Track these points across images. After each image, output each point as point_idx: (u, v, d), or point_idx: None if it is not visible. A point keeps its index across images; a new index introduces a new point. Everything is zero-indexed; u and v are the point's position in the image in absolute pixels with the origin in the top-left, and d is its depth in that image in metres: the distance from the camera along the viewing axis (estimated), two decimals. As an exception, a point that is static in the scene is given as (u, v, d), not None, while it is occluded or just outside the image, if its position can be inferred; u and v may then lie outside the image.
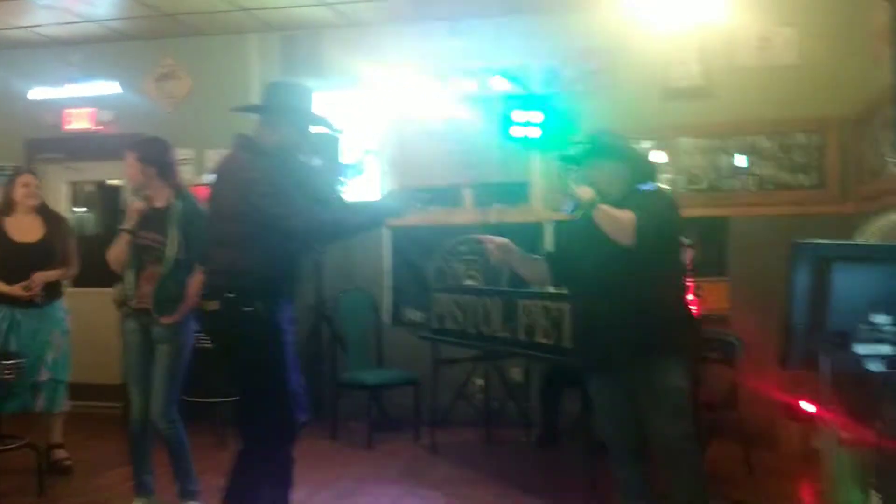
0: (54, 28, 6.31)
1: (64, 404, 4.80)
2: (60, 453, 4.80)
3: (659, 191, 3.24)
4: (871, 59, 4.98)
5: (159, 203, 3.81)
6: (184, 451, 3.85)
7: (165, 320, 3.75)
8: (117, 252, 3.81)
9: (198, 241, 3.54)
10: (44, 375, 4.64)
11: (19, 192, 4.66)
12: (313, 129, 3.33)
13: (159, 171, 3.81)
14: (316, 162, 3.35)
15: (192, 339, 3.89)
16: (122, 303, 3.92)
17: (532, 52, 5.86)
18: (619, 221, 2.90)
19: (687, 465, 3.03)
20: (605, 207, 2.94)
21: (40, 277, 4.54)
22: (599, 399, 3.23)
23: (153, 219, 3.77)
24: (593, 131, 3.39)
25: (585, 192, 3.00)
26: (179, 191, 3.85)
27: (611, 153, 3.18)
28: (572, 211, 3.07)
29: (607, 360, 3.11)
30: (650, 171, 3.30)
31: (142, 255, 3.77)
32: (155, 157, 3.83)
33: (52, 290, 4.68)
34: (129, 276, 3.80)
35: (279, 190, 2.99)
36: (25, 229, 4.65)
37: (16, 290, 4.52)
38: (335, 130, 3.44)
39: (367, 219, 3.26)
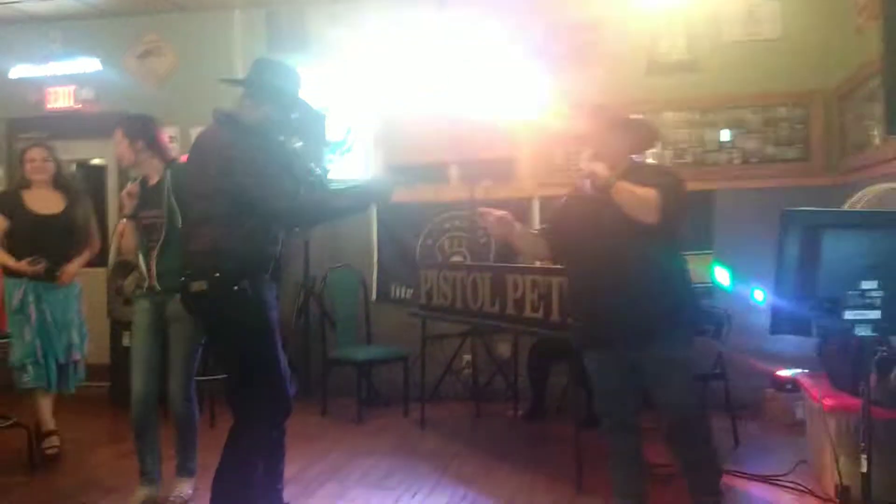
0: (34, 4, 6.22)
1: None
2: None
3: (663, 166, 3.20)
4: (855, 33, 5.00)
5: (154, 180, 3.72)
6: (193, 430, 3.80)
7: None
8: (128, 241, 3.80)
9: None
10: (76, 355, 4.63)
11: (27, 168, 4.59)
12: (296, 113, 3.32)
13: (147, 144, 3.71)
14: (297, 144, 3.33)
15: None
16: (135, 290, 3.83)
17: (520, 26, 5.83)
18: (643, 200, 2.85)
19: (701, 433, 3.12)
20: (626, 185, 2.89)
21: (71, 270, 4.55)
22: (599, 373, 3.22)
23: (151, 197, 3.67)
24: (595, 104, 3.35)
25: (601, 169, 2.95)
26: (169, 162, 3.75)
27: (614, 123, 3.15)
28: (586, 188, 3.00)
29: (614, 336, 3.10)
30: (651, 138, 3.29)
31: (149, 236, 3.67)
32: (141, 130, 3.72)
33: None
34: (141, 260, 3.72)
35: (263, 170, 2.97)
36: (45, 202, 4.57)
37: (22, 265, 4.45)
38: (318, 115, 3.44)
39: (351, 202, 3.22)
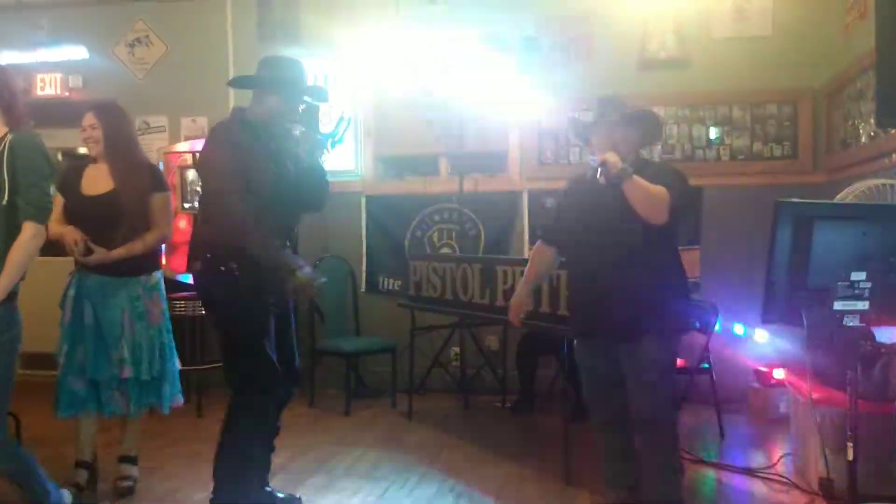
0: (22, -10, 6.18)
1: (137, 409, 3.80)
2: (127, 469, 3.89)
3: (668, 164, 3.18)
4: (843, 31, 5.05)
5: None
6: (30, 478, 2.95)
7: None
8: None
9: (27, 184, 2.77)
10: (125, 371, 3.65)
11: (82, 138, 3.75)
12: (306, 99, 3.39)
13: None
14: (299, 130, 3.39)
15: (16, 333, 2.87)
16: None
17: (511, 20, 5.84)
18: (655, 198, 2.87)
19: (663, 441, 3.11)
20: (640, 181, 2.90)
21: (103, 255, 3.60)
22: (587, 365, 3.25)
23: None
24: (605, 96, 3.33)
25: (613, 159, 2.94)
26: (16, 125, 2.88)
27: (625, 117, 3.14)
28: (596, 177, 2.99)
29: (599, 325, 3.13)
30: (658, 132, 3.31)
31: None
32: None
33: (132, 261, 3.69)
34: None
35: (222, 168, 3.12)
36: (97, 181, 3.70)
37: (70, 236, 3.58)
38: (325, 99, 3.48)
39: (268, 259, 3.14)
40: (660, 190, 2.88)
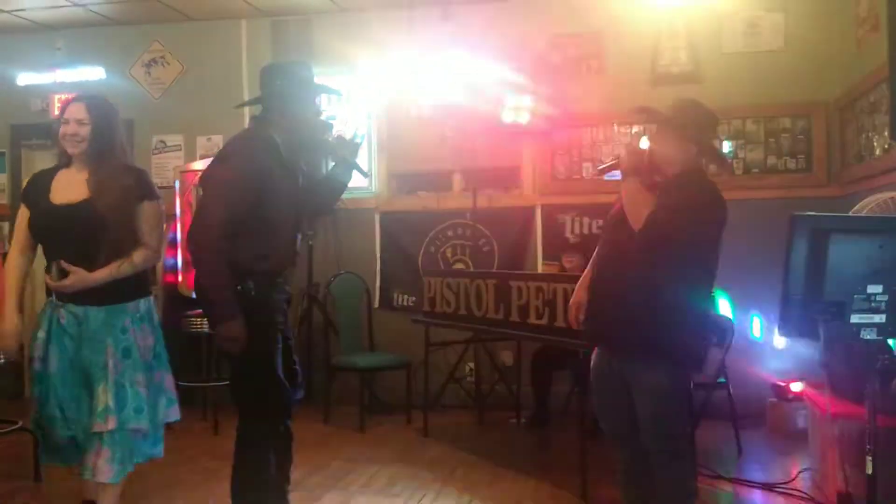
0: (40, 12, 6.26)
1: (120, 469, 3.01)
2: None
3: (713, 188, 2.97)
4: (855, 45, 5.05)
5: None
6: None
7: None
8: None
9: None
10: (98, 425, 2.94)
11: (62, 130, 3.04)
12: (321, 97, 3.37)
13: None
14: (335, 135, 3.37)
15: None
16: None
17: (523, 37, 5.88)
18: (636, 204, 2.78)
19: (664, 469, 2.95)
20: (634, 184, 2.81)
21: (78, 279, 2.95)
22: (595, 374, 3.22)
23: None
24: (687, 99, 3.06)
25: (625, 156, 2.87)
26: None
27: (687, 130, 2.91)
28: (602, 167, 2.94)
29: (599, 334, 3.12)
30: (725, 165, 3.11)
31: None
32: None
33: (118, 285, 3.03)
34: None
35: (210, 189, 3.05)
36: (69, 186, 3.03)
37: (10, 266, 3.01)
38: (337, 93, 3.54)
39: (212, 302, 3.04)
40: (646, 198, 2.78)
